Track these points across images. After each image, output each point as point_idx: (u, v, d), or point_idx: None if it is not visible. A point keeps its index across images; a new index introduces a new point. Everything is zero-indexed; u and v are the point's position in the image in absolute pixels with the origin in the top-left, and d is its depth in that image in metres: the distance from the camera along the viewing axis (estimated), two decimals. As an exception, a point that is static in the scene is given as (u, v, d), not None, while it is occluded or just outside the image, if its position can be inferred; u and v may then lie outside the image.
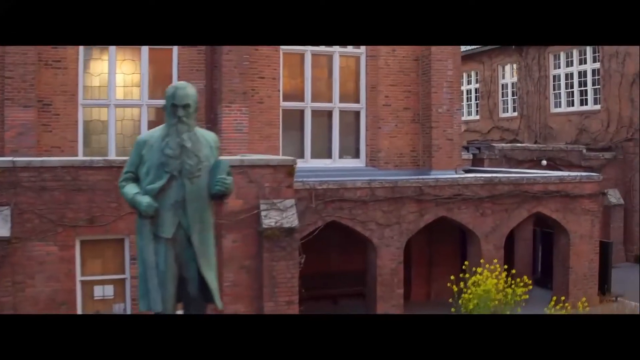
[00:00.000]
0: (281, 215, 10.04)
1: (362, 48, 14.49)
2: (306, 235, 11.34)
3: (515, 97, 24.47)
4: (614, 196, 19.43)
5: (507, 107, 25.04)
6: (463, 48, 25.99)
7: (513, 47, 23.51)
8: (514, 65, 24.39)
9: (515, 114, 24.34)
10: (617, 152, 19.73)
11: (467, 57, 26.23)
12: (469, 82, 27.16)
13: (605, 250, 14.20)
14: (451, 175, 13.40)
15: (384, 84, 14.45)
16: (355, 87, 14.61)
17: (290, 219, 10.03)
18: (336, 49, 14.34)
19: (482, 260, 12.08)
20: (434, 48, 14.16)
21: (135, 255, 9.90)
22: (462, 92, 27.57)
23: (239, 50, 13.00)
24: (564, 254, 13.38)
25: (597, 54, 20.85)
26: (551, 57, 22.52)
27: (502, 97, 25.20)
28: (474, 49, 25.48)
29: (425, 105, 14.44)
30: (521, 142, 23.42)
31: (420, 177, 12.18)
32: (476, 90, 26.59)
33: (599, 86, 20.81)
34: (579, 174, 13.92)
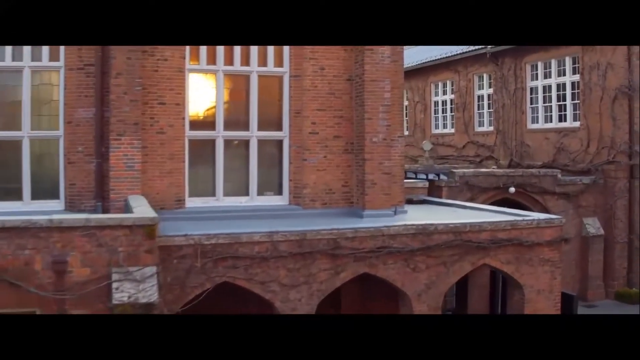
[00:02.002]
0: (137, 287, 8.02)
1: (285, 67, 12.43)
2: (191, 300, 9.39)
3: (491, 110, 22.32)
4: (593, 226, 17.29)
5: (483, 121, 22.87)
6: (439, 54, 23.88)
7: (488, 55, 21.34)
8: (491, 75, 22.22)
9: (492, 128, 22.19)
10: (597, 176, 17.55)
11: (441, 66, 24.15)
12: (444, 93, 24.99)
13: (568, 304, 12.12)
14: (384, 219, 11.34)
15: (311, 109, 12.39)
16: (277, 112, 12.54)
17: (149, 293, 8.01)
18: (254, 67, 12.28)
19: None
20: (367, 66, 12.08)
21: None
22: (437, 102, 25.45)
23: (129, 73, 11.01)
24: (517, 312, 11.29)
25: (577, 65, 18.67)
26: (528, 68, 20.34)
27: (478, 109, 23.03)
28: (448, 56, 23.30)
29: (358, 134, 12.37)
30: (497, 159, 21.29)
31: (335, 227, 10.09)
32: (451, 101, 24.40)
33: (578, 101, 18.64)
34: (536, 217, 11.78)
